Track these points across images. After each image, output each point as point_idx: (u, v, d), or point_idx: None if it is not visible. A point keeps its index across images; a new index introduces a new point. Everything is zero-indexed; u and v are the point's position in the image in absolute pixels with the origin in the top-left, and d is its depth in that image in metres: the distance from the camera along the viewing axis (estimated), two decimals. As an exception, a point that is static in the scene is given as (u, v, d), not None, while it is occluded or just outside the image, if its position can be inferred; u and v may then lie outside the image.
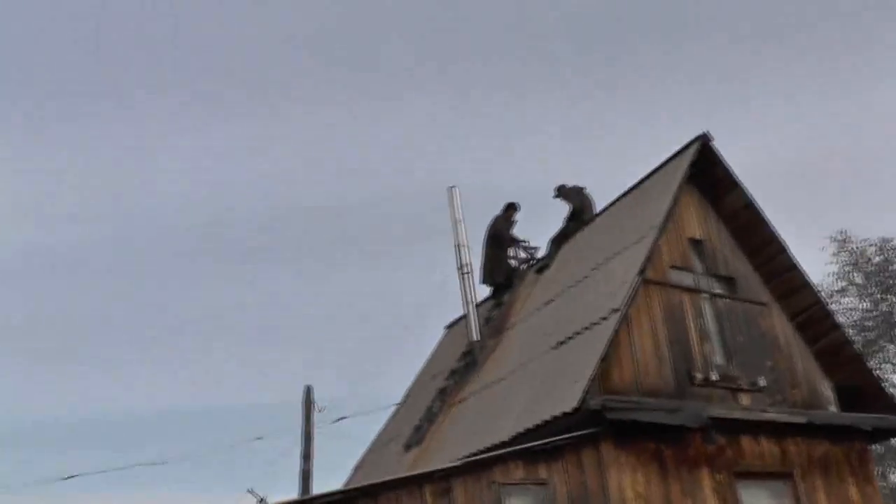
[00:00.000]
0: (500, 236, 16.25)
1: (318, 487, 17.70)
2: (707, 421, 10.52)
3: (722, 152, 12.65)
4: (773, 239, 12.78)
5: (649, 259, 11.30)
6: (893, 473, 27.24)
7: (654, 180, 13.24)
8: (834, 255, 28.22)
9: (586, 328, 11.07)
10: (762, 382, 11.92)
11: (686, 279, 12.19)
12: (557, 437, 9.68)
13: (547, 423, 9.99)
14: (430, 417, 13.92)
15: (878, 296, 27.38)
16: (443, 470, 9.23)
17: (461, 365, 14.64)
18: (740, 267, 12.86)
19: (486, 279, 16.26)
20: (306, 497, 11.97)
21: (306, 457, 18.38)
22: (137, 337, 50.66)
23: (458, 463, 9.47)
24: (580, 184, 15.81)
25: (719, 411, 10.90)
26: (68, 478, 17.81)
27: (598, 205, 15.19)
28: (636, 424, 10.04)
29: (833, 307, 22.66)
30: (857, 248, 28.09)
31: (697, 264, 12.46)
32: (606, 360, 10.30)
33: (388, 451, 14.65)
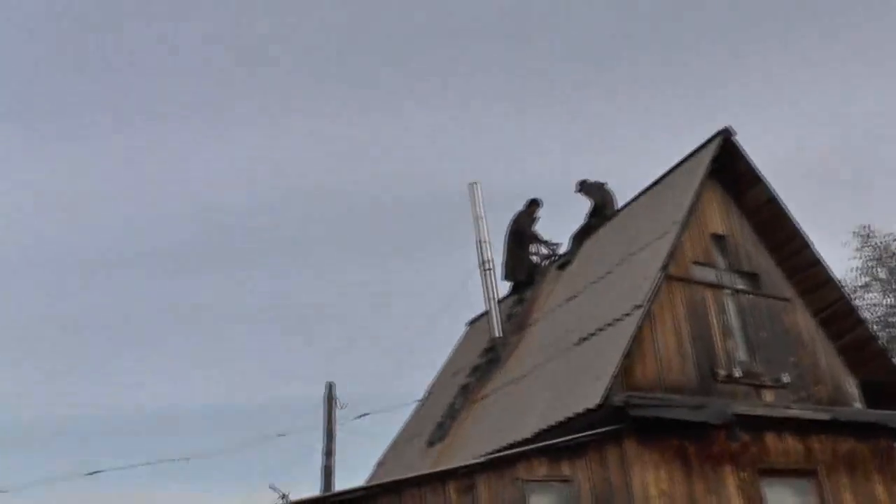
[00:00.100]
0: (522, 232, 16.24)
1: (340, 484, 17.80)
2: (731, 418, 10.46)
3: (744, 147, 12.63)
4: (797, 234, 12.71)
5: (672, 255, 11.28)
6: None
7: (675, 175, 13.20)
8: (857, 249, 27.92)
9: (609, 324, 11.06)
10: (786, 379, 11.85)
11: (709, 275, 12.15)
12: (581, 434, 9.67)
13: (570, 419, 10.00)
14: (453, 414, 13.94)
15: (902, 291, 27.10)
16: (466, 466, 9.24)
17: (483, 361, 14.65)
18: (763, 262, 12.79)
19: (507, 275, 16.27)
20: (328, 493, 12.04)
21: (328, 453, 18.46)
22: (158, 334, 51.05)
23: (481, 459, 9.48)
24: (601, 179, 15.81)
25: (743, 408, 10.83)
26: (92, 473, 17.95)
27: (620, 200, 15.17)
28: (659, 421, 10.00)
29: (856, 303, 22.46)
30: (881, 242, 27.78)
31: (720, 260, 12.41)
32: (629, 357, 10.29)
33: (411, 447, 14.68)
